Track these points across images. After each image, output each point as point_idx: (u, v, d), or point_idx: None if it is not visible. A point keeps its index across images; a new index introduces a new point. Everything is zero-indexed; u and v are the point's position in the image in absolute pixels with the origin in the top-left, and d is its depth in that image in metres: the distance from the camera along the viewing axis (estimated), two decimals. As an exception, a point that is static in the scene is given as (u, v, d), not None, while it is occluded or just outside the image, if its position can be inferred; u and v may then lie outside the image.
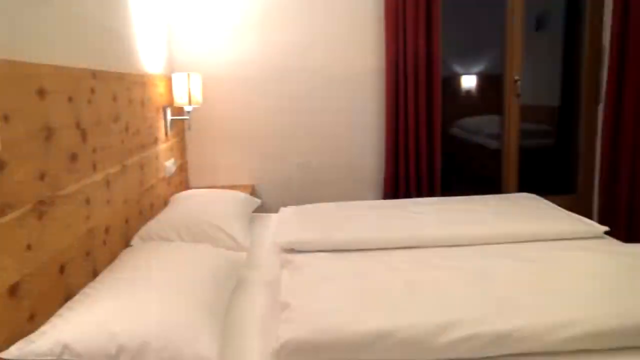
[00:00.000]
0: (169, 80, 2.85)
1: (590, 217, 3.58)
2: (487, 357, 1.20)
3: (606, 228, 2.06)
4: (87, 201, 1.61)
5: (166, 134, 2.72)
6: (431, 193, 3.33)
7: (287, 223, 2.22)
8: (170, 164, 2.70)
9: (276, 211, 2.80)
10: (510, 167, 3.71)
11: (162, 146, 2.63)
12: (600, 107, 3.53)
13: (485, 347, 1.19)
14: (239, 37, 3.20)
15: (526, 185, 3.70)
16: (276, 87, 3.27)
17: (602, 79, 3.50)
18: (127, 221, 1.97)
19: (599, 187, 3.51)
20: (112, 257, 1.73)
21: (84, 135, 1.62)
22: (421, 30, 3.17)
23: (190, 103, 2.73)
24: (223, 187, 3.11)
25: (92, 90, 1.71)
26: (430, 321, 1.23)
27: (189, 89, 2.71)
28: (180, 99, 2.73)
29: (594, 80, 3.64)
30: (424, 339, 1.20)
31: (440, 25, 3.25)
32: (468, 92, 4.12)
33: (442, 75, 3.35)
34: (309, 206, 2.55)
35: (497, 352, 1.20)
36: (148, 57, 2.53)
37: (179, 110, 2.90)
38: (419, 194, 3.30)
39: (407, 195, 3.28)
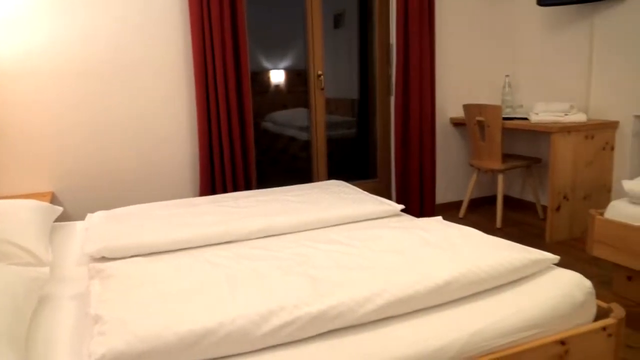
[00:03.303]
0: None
1: (389, 197, 4.00)
2: (308, 338, 1.26)
3: (402, 206, 2.33)
4: None
5: None
6: (248, 186, 3.38)
7: (95, 230, 2.05)
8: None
9: (82, 218, 2.57)
10: (320, 157, 3.93)
11: None
12: (392, 99, 3.93)
13: (305, 329, 1.25)
14: (27, 27, 2.85)
15: (335, 172, 3.98)
16: (74, 81, 2.99)
17: (392, 73, 3.90)
18: None
19: (395, 170, 3.93)
20: None
21: None
22: (227, 26, 3.17)
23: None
24: (15, 196, 2.74)
25: None
26: (252, 312, 1.25)
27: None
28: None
29: (386, 75, 4.05)
30: (248, 331, 1.22)
31: (246, 20, 3.29)
32: (277, 86, 4.25)
33: (251, 70, 3.41)
34: (118, 210, 2.38)
35: (316, 331, 1.27)
36: None
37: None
38: (236, 188, 3.32)
39: (224, 190, 3.28)
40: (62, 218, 2.70)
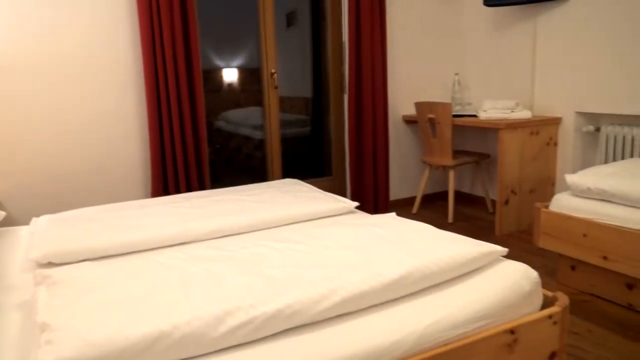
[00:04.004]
0: None
1: (344, 195, 4.04)
2: (266, 337, 1.26)
3: (357, 203, 2.35)
4: None
5: None
6: (201, 187, 3.33)
7: (41, 234, 1.97)
8: None
9: (27, 223, 2.47)
10: (274, 156, 3.92)
11: None
12: (345, 97, 3.96)
13: (261, 328, 1.24)
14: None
15: (290, 171, 3.97)
16: (18, 80, 2.86)
17: (345, 71, 3.93)
18: None
19: (349, 168, 3.96)
20: None
21: None
22: (177, 23, 3.11)
23: None
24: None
25: None
26: (207, 313, 1.23)
27: None
28: None
29: (339, 73, 4.07)
30: (204, 332, 1.20)
31: (197, 18, 3.24)
32: (230, 85, 4.21)
33: (203, 68, 3.36)
34: (66, 213, 2.30)
35: (273, 330, 1.26)
36: None
37: None
38: (189, 189, 3.27)
39: (177, 191, 3.22)
40: (6, 223, 2.59)
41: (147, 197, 3.28)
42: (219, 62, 4.09)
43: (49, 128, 2.98)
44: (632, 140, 3.14)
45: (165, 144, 3.18)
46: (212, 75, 4.06)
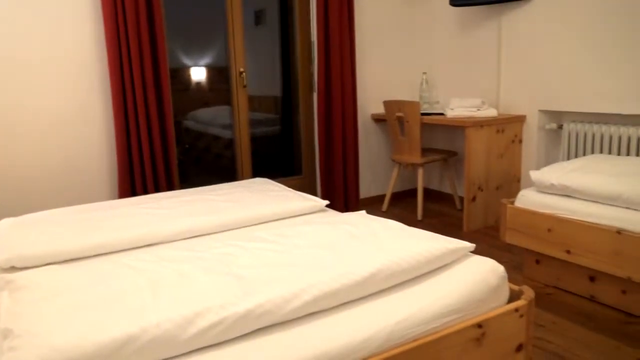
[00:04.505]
0: None
1: (314, 193, 4.04)
2: (237, 338, 1.25)
3: (327, 202, 2.36)
4: None
5: None
6: (170, 187, 3.29)
7: (3, 238, 1.91)
8: None
9: (-13, 226, 2.39)
10: (244, 155, 3.90)
11: None
12: (315, 96, 3.97)
13: (232, 329, 1.24)
14: None
15: (260, 170, 3.96)
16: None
17: (314, 70, 3.94)
18: None
19: (319, 167, 3.97)
20: None
21: None
22: (143, 21, 3.06)
23: None
24: None
25: None
26: (177, 315, 1.21)
27: None
28: None
29: (308, 72, 4.07)
30: (173, 334, 1.18)
31: (163, 16, 3.19)
32: (198, 84, 4.15)
33: (171, 67, 3.32)
34: (29, 216, 2.24)
35: (244, 330, 1.26)
36: None
37: None
38: (157, 189, 3.22)
39: (145, 191, 3.17)
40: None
41: (114, 198, 3.22)
42: (186, 61, 4.03)
43: (9, 130, 2.89)
44: (593, 137, 3.24)
45: (132, 144, 3.13)
46: (180, 74, 4.00)
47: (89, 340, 1.12)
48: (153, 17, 3.13)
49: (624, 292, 2.30)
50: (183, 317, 1.21)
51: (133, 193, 3.18)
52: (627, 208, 2.23)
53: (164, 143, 3.28)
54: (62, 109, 3.03)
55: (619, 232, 2.19)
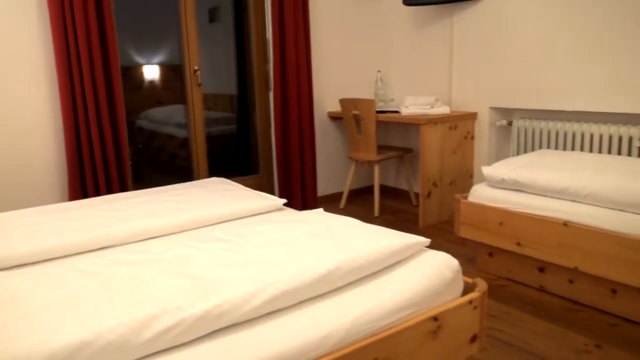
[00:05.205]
0: None
1: (272, 192, 4.03)
2: (195, 339, 1.24)
3: (284, 200, 2.36)
4: None
5: None
6: (123, 188, 3.21)
7: (-57, 245, 1.82)
8: None
9: None
10: (200, 154, 3.85)
11: None
12: (271, 94, 3.95)
13: (190, 331, 1.22)
14: None
15: (216, 170, 3.91)
16: None
17: (270, 68, 3.92)
18: None
19: (277, 165, 3.96)
20: None
21: None
22: (92, 17, 2.97)
23: None
24: None
25: None
26: (131, 319, 1.19)
27: None
28: None
29: (263, 70, 4.06)
30: (128, 338, 1.16)
31: (113, 12, 3.10)
32: (152, 82, 4.07)
33: (122, 65, 3.24)
34: (-28, 221, 2.14)
35: (202, 332, 1.24)
36: None
37: None
38: (110, 191, 3.14)
39: (97, 193, 3.08)
40: None
41: (63, 200, 3.11)
42: (139, 59, 3.94)
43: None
44: (541, 132, 3.36)
45: (83, 144, 3.03)
46: (132, 72, 3.91)
47: (41, 348, 1.09)
48: (102, 14, 3.04)
49: (570, 281, 2.40)
50: (138, 321, 1.19)
51: (84, 195, 3.08)
52: (572, 201, 2.33)
53: (116, 143, 3.20)
54: (7, 108, 2.91)
55: (566, 224, 2.28)
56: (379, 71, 4.26)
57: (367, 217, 3.83)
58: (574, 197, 2.31)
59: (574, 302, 2.40)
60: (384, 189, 4.55)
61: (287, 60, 3.78)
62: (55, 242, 1.81)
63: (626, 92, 2.92)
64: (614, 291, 2.24)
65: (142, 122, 4.05)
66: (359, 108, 3.74)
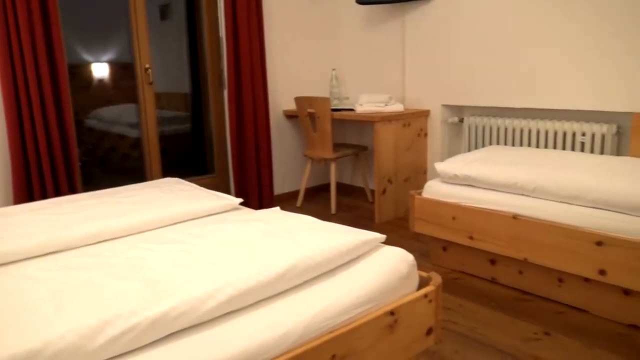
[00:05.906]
0: None
1: (228, 192, 3.99)
2: (152, 343, 1.21)
3: (240, 200, 2.33)
4: None
5: None
6: (72, 190, 3.11)
7: None
8: None
9: None
10: (153, 154, 3.77)
11: None
12: (225, 92, 3.91)
13: (146, 334, 1.19)
14: None
15: (171, 170, 3.84)
16: None
17: (224, 66, 3.88)
18: None
19: (232, 164, 3.92)
20: None
21: None
22: (35, 12, 2.86)
23: None
24: None
25: None
26: (82, 325, 1.15)
27: None
28: None
29: (217, 68, 4.01)
30: (80, 345, 1.12)
31: (58, 8, 2.99)
32: (101, 81, 3.95)
33: (69, 63, 3.13)
34: None
35: (158, 335, 1.22)
36: None
37: None
38: (58, 193, 3.03)
39: (44, 196, 2.97)
40: None
41: (7, 205, 2.98)
42: (87, 57, 3.81)
43: None
44: (491, 129, 3.47)
45: (28, 145, 2.91)
46: (80, 70, 3.78)
47: (-15, 359, 1.04)
48: (47, 9, 2.92)
49: (520, 272, 2.49)
50: (89, 327, 1.15)
51: (30, 198, 2.97)
52: (521, 195, 2.41)
53: (64, 143, 3.09)
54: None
55: (515, 217, 2.36)
56: (333, 69, 4.28)
57: (324, 214, 3.85)
58: (522, 191, 2.39)
59: (524, 292, 2.49)
60: (340, 187, 4.58)
61: (241, 58, 3.75)
62: (0, 248, 1.73)
63: (571, 90, 3.05)
64: (560, 280, 2.34)
65: (92, 122, 3.92)
66: (314, 106, 3.75)
